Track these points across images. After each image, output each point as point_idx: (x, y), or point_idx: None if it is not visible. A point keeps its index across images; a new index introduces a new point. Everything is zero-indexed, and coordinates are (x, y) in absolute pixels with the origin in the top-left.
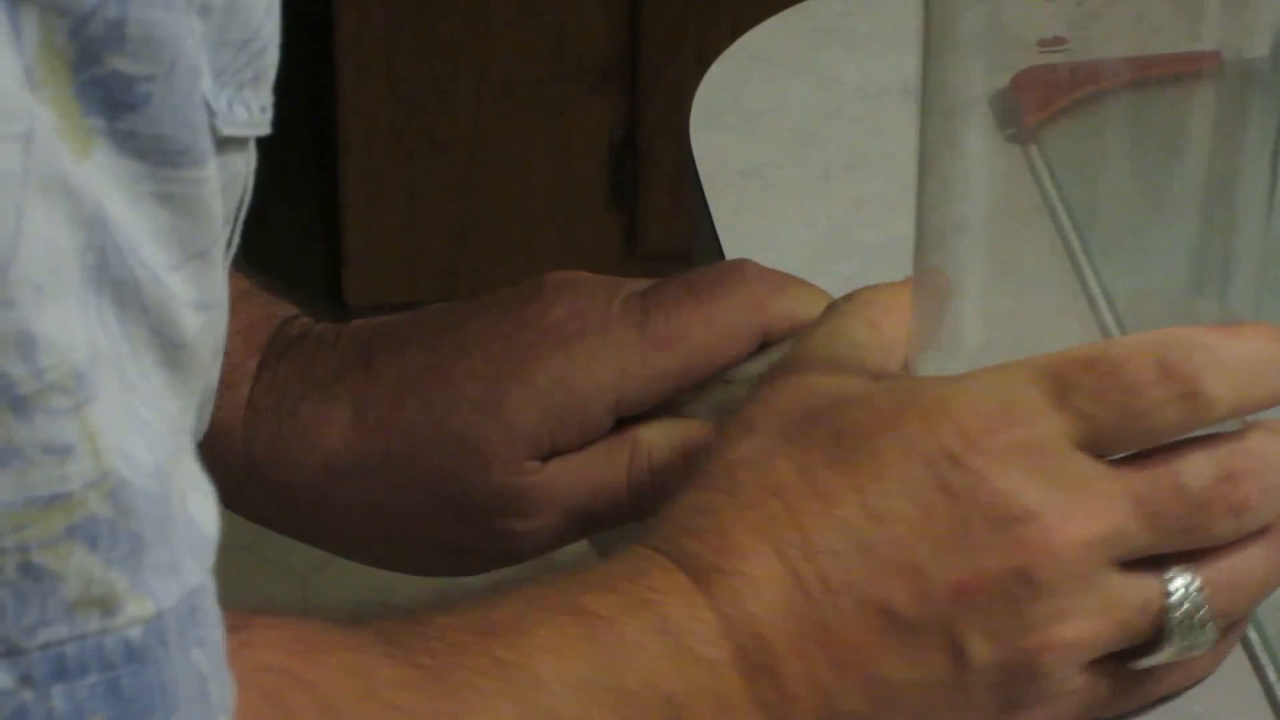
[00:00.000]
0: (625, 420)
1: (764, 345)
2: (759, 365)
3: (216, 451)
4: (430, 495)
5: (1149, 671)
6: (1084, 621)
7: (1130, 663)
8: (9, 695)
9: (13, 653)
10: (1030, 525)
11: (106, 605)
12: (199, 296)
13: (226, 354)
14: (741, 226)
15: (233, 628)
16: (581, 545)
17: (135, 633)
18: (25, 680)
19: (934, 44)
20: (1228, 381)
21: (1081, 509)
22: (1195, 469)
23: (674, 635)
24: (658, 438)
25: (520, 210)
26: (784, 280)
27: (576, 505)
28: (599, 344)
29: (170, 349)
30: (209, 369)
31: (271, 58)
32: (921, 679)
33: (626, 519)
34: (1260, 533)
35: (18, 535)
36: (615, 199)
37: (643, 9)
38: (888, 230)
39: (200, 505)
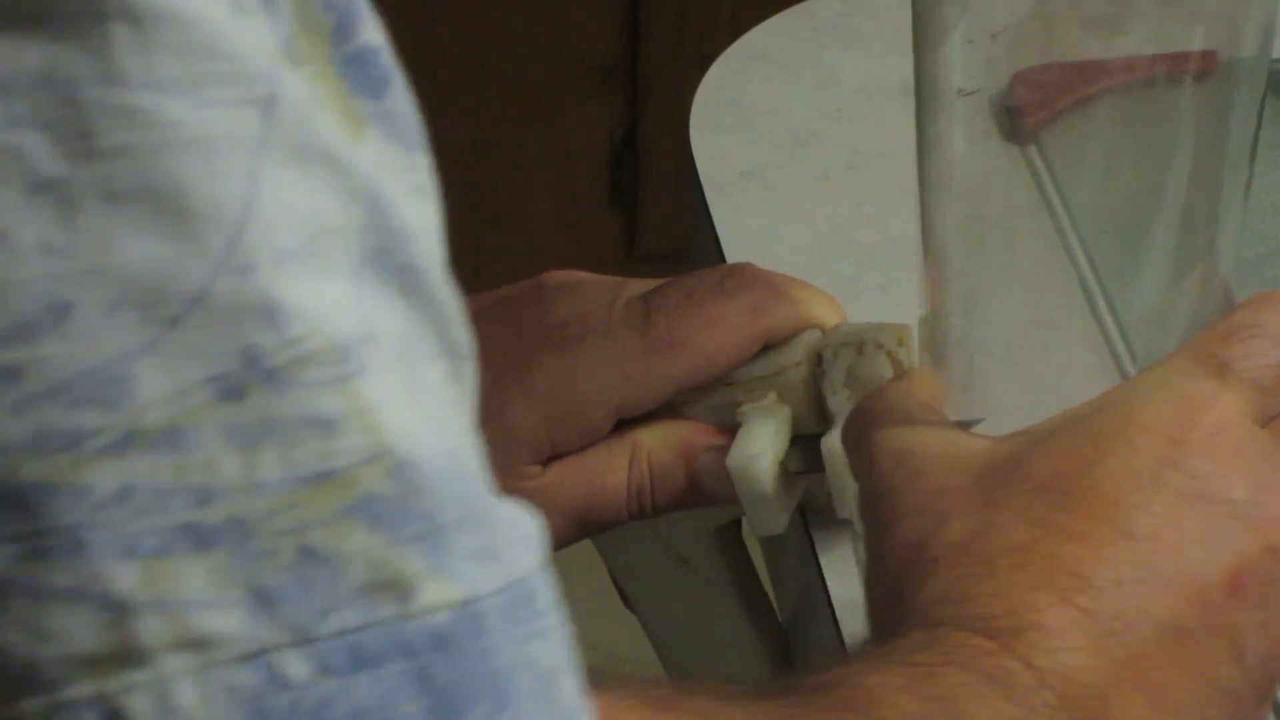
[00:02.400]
0: (624, 421)
1: (765, 348)
2: (760, 368)
3: None
4: None
5: None
6: None
7: None
8: (308, 688)
9: (305, 642)
10: (1263, 503)
11: (400, 589)
12: (460, 307)
13: None
14: (741, 227)
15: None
16: (583, 547)
17: (441, 619)
18: (324, 670)
19: (925, 42)
20: None
21: None
22: None
23: (1000, 682)
24: (658, 439)
25: (520, 210)
26: (786, 283)
27: (577, 508)
28: (600, 347)
29: (457, 359)
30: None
31: None
32: (1211, 689)
33: (626, 520)
34: None
35: (290, 515)
36: (615, 199)
37: (643, 9)
38: (888, 230)
39: (516, 510)
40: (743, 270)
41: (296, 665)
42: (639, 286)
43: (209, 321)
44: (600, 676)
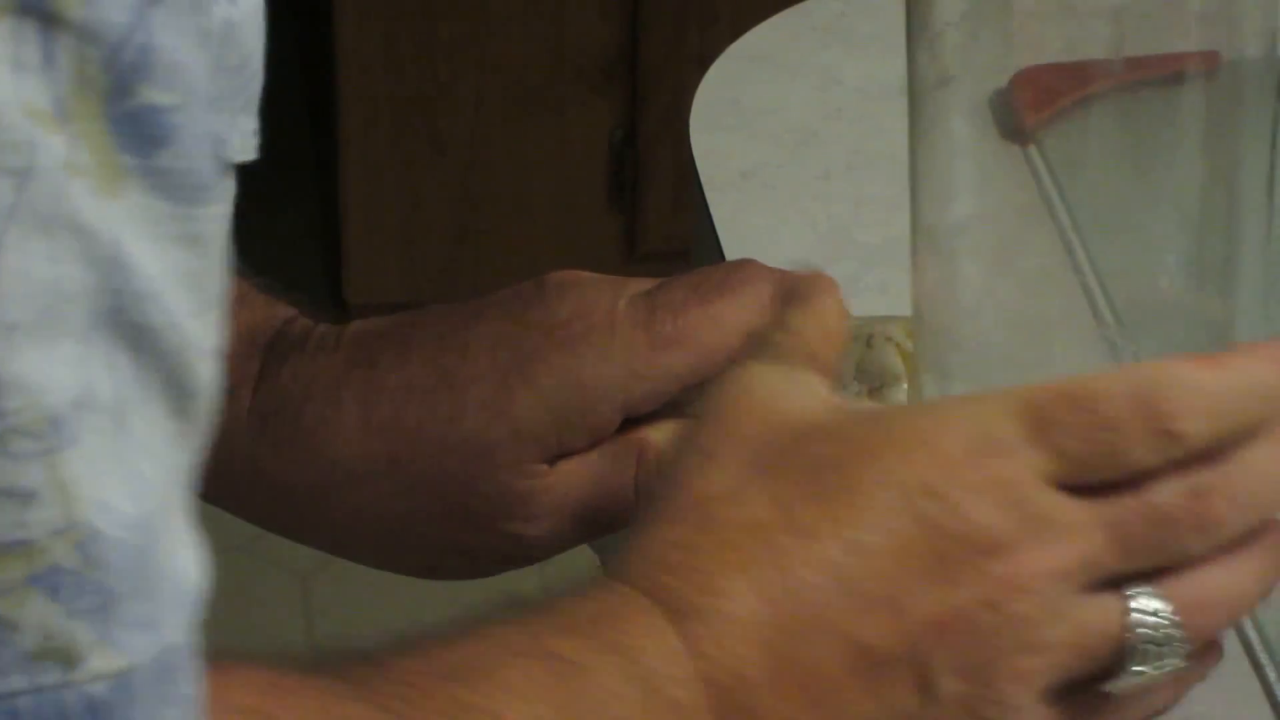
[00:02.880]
0: (630, 421)
1: None
2: None
3: (220, 457)
4: (437, 499)
5: (1112, 697)
6: (1049, 653)
7: (1104, 686)
8: None
9: None
10: (999, 558)
11: (68, 658)
12: (213, 344)
13: (227, 357)
14: (741, 226)
15: (206, 670)
16: (582, 550)
17: (99, 688)
18: None
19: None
20: (1204, 417)
21: (1051, 541)
22: (1165, 488)
23: (646, 680)
24: (665, 438)
25: (520, 210)
26: (788, 278)
27: (583, 508)
28: (605, 345)
29: (183, 399)
30: (210, 419)
31: (258, 82)
32: (888, 713)
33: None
34: (1230, 547)
35: None
36: (615, 199)
37: (643, 9)
38: (888, 230)
39: (188, 561)
40: (746, 266)
41: None
42: (643, 284)
43: None
44: (228, 657)
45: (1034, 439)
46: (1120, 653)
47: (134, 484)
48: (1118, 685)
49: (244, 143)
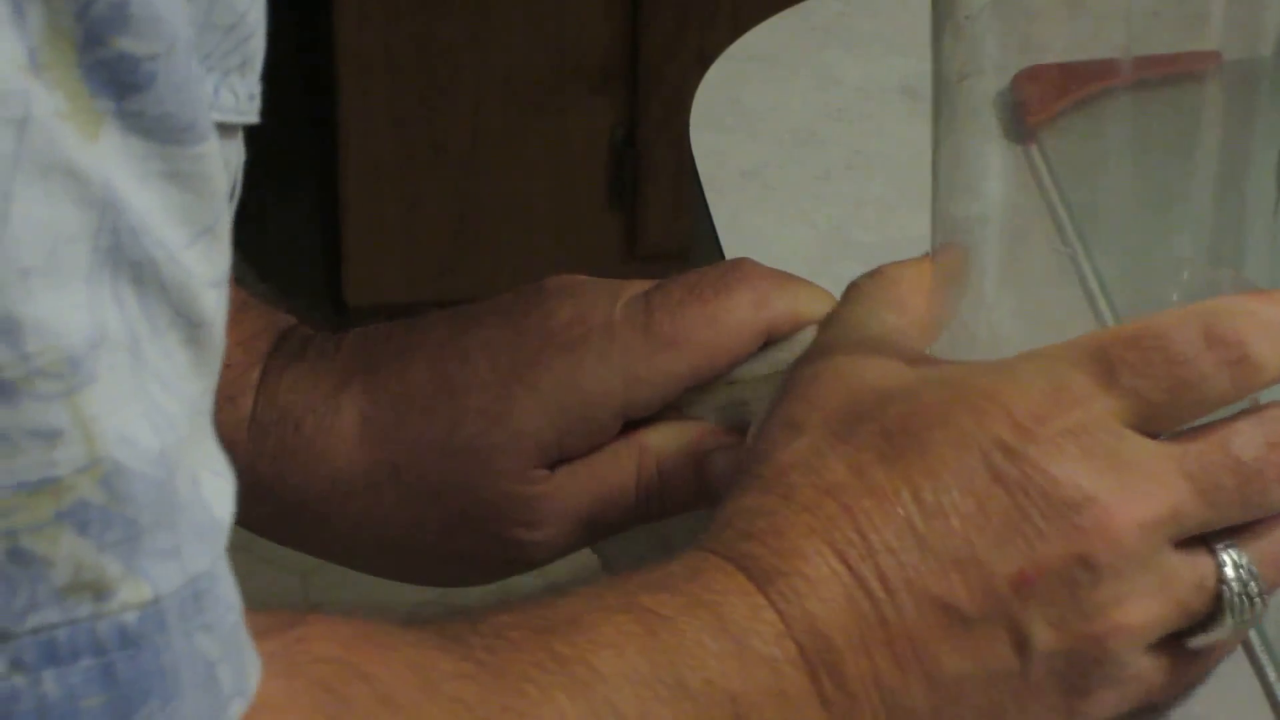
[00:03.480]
0: (630, 424)
1: (767, 344)
2: (762, 365)
3: None
4: (438, 506)
5: (1202, 651)
6: (1146, 602)
7: (1188, 641)
8: (0, 680)
9: (2, 638)
10: (1088, 511)
11: (98, 590)
12: (213, 273)
13: (227, 366)
14: (741, 226)
15: (289, 624)
16: (584, 554)
17: (130, 618)
18: (16, 665)
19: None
20: (1273, 341)
21: (1138, 491)
22: (1244, 439)
23: (735, 635)
24: (665, 441)
25: (520, 210)
26: (785, 279)
27: (585, 512)
28: (604, 348)
29: (192, 328)
30: (223, 347)
31: (258, 44)
32: (985, 672)
33: (635, 524)
34: None
35: (6, 520)
36: (615, 199)
37: (643, 9)
38: (888, 230)
39: (215, 489)
40: (742, 265)
41: None
42: (640, 286)
43: None
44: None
45: (1106, 384)
46: (1213, 607)
47: (154, 417)
48: (1209, 638)
49: (243, 106)
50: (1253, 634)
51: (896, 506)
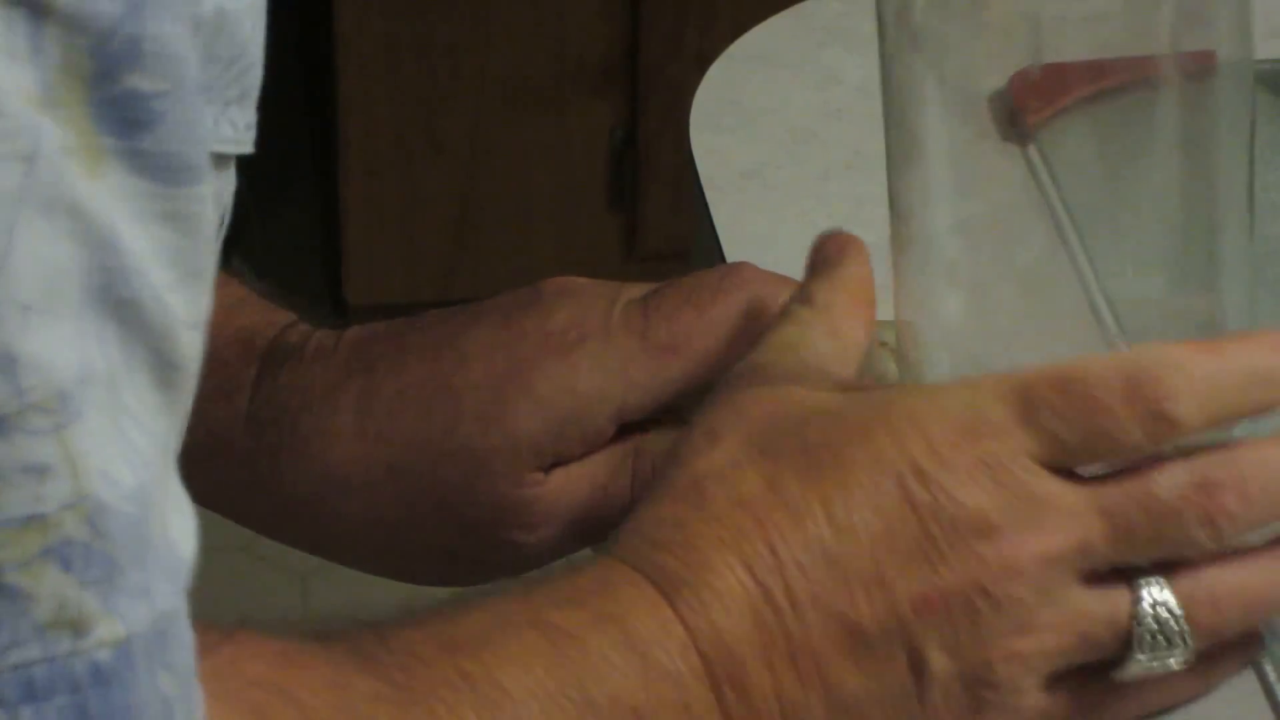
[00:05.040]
0: (626, 428)
1: None
2: None
3: (217, 463)
4: (434, 507)
5: (1122, 689)
6: (1043, 635)
7: (1113, 674)
8: None
9: None
10: (991, 540)
11: (78, 627)
12: (194, 316)
13: (225, 362)
14: (741, 226)
15: (218, 642)
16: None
17: (104, 655)
18: None
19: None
20: (1196, 401)
21: (1043, 525)
22: (1169, 479)
23: (640, 649)
24: (660, 445)
25: (520, 210)
26: (782, 283)
27: (580, 515)
28: (600, 352)
29: (167, 370)
30: (194, 390)
31: (256, 75)
32: (883, 692)
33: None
34: (1253, 549)
35: None
36: (615, 199)
37: (643, 9)
38: (887, 230)
39: (180, 527)
40: (740, 270)
41: None
42: (637, 290)
43: None
44: (243, 628)
45: (1024, 421)
46: (1124, 642)
47: (129, 455)
48: (1121, 674)
49: (240, 136)
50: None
51: (808, 522)
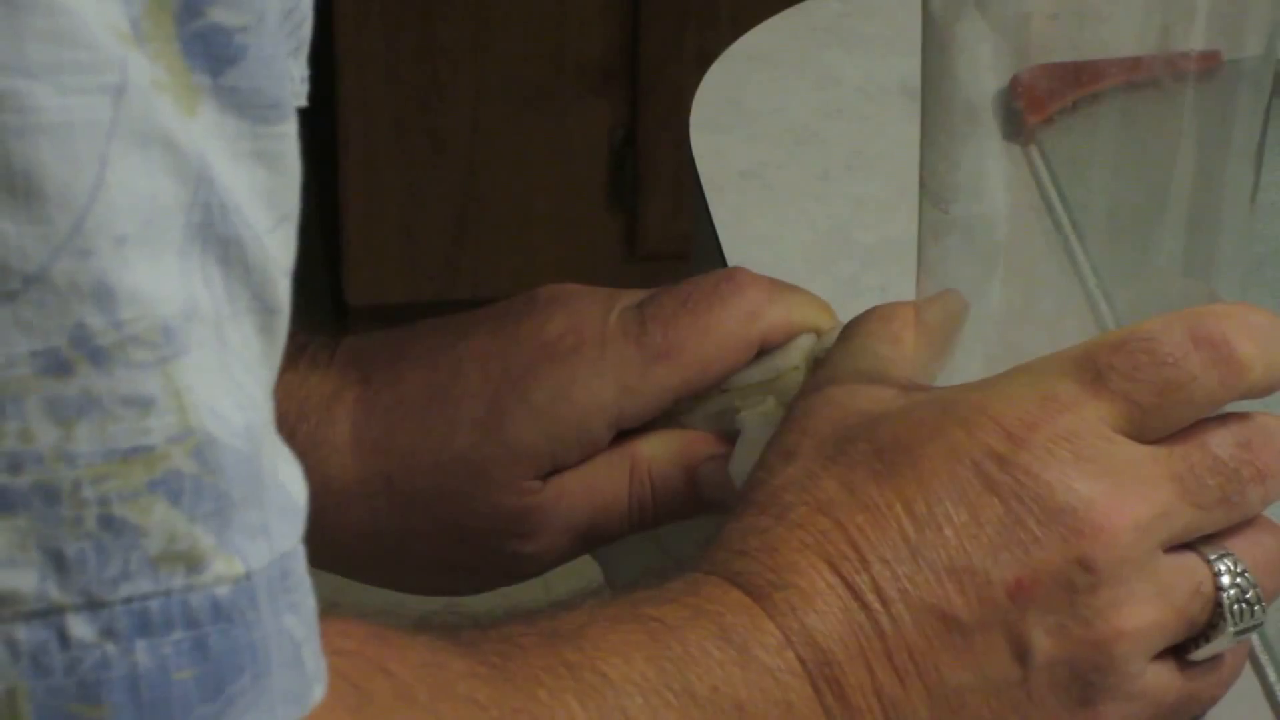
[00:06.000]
0: (623, 434)
1: (760, 353)
2: (756, 373)
3: None
4: (432, 517)
5: (1208, 666)
6: (1145, 607)
7: (1191, 653)
8: (91, 648)
9: (94, 605)
10: (1083, 514)
11: (191, 562)
12: (287, 261)
13: None
14: (741, 226)
15: None
16: (584, 560)
17: (223, 591)
18: (108, 633)
19: (935, 43)
20: (1258, 344)
21: (1131, 493)
22: (1219, 439)
23: (738, 644)
24: (657, 450)
25: (520, 210)
26: (778, 288)
27: (578, 522)
28: (597, 359)
29: (267, 314)
30: (285, 340)
31: (309, 30)
32: (986, 682)
33: (628, 533)
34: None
35: (98, 487)
36: (615, 199)
37: (643, 9)
38: (888, 230)
39: (289, 474)
40: (736, 275)
41: (82, 627)
42: (633, 296)
43: (43, 299)
44: (331, 611)
45: (1095, 390)
46: (1213, 614)
47: (237, 395)
48: (1212, 648)
49: (297, 87)
50: (1254, 635)
51: (889, 520)
